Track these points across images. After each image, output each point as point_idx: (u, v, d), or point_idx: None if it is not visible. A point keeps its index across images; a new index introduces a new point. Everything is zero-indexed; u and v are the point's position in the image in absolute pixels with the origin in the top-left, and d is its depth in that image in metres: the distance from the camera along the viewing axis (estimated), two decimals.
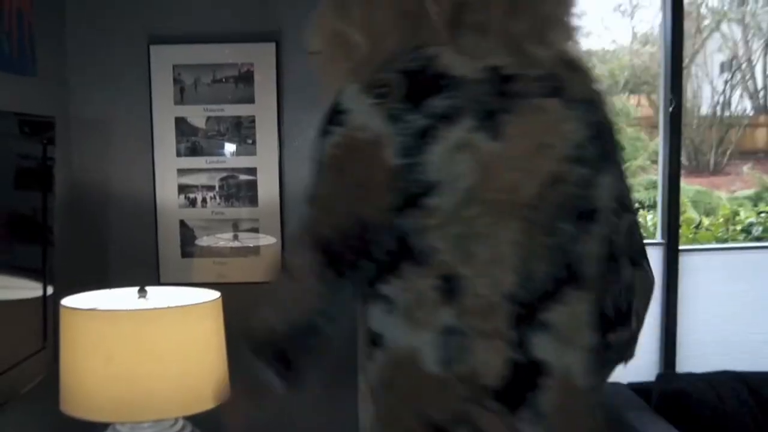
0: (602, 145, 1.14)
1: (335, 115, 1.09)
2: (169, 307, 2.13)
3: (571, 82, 1.12)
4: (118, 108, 2.69)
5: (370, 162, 1.06)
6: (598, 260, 1.15)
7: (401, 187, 1.05)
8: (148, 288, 2.25)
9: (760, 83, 9.90)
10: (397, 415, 1.09)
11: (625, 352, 1.28)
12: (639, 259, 1.26)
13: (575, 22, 1.19)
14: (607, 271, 1.18)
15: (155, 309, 2.12)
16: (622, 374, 2.88)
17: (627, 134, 7.89)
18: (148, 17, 2.67)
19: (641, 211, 5.38)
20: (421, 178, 1.04)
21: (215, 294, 2.24)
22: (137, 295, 2.23)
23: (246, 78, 2.68)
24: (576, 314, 1.12)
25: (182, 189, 2.69)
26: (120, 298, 2.26)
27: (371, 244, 1.09)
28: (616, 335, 1.22)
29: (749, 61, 9.57)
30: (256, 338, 1.16)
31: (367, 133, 1.05)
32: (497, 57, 1.09)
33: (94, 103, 2.68)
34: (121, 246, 2.72)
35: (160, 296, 2.27)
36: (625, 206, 1.22)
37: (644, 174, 7.54)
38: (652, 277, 1.30)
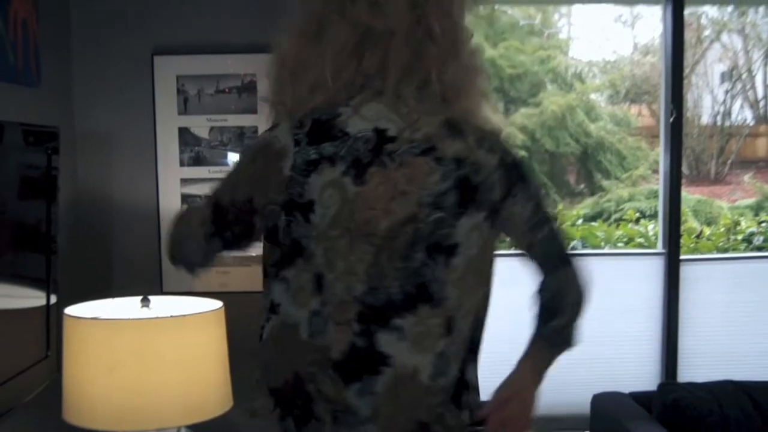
0: (467, 193, 1.44)
1: (270, 128, 1.52)
2: (171, 317, 2.14)
3: (443, 144, 1.44)
4: (122, 118, 2.71)
5: (272, 164, 1.46)
6: (459, 282, 1.45)
7: (286, 192, 1.45)
8: (151, 297, 2.26)
9: (760, 93, 9.92)
10: (278, 361, 1.49)
11: (562, 337, 1.61)
12: (564, 259, 1.56)
13: (482, 87, 1.54)
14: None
15: (158, 318, 2.13)
16: (624, 384, 2.89)
17: (628, 144, 7.93)
18: (152, 28, 2.69)
19: (642, 221, 5.39)
20: (302, 193, 1.44)
21: (218, 303, 2.25)
22: (140, 304, 2.24)
23: (249, 88, 2.70)
24: (427, 325, 1.44)
25: (185, 198, 2.70)
26: (123, 307, 2.27)
27: (253, 218, 1.50)
28: (552, 324, 1.58)
29: (749, 71, 9.60)
30: (171, 239, 1.66)
31: (279, 145, 1.47)
32: (386, 121, 1.45)
33: (98, 113, 2.70)
34: (125, 255, 2.74)
35: (162, 305, 2.28)
36: (536, 224, 1.53)
37: (645, 183, 7.56)
38: (581, 274, 1.57)
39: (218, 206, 1.54)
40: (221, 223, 1.53)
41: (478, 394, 1.58)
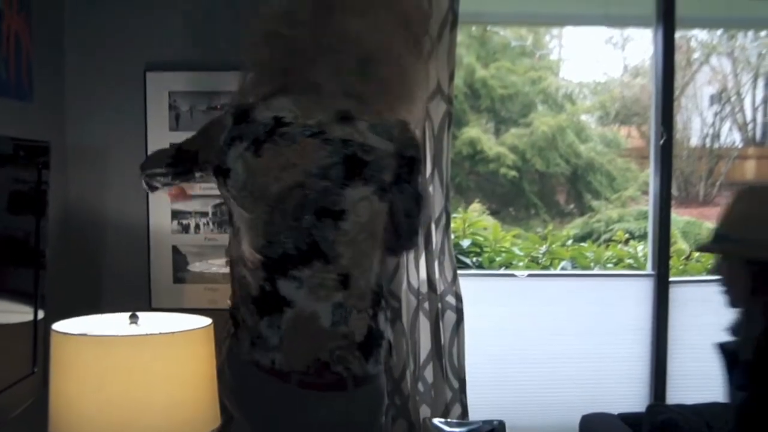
0: (350, 171, 1.79)
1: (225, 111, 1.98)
2: (160, 334, 2.12)
3: (333, 129, 1.80)
4: (114, 134, 2.70)
5: (215, 135, 1.91)
6: (352, 243, 1.80)
7: (219, 157, 1.89)
8: (139, 314, 2.25)
9: (749, 116, 10.00)
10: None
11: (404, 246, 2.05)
12: (410, 215, 1.94)
13: (401, 91, 1.89)
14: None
15: (146, 335, 2.12)
16: (613, 405, 2.89)
17: (617, 165, 7.96)
18: (144, 44, 2.69)
19: (631, 242, 5.40)
20: (225, 161, 1.87)
21: (207, 320, 2.23)
22: (129, 320, 2.23)
23: None
24: (322, 278, 1.79)
25: (176, 215, 2.70)
26: (111, 323, 2.25)
27: (193, 167, 2.04)
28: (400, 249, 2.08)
29: (738, 93, 9.67)
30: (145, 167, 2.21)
31: (224, 123, 1.91)
32: (285, 111, 1.84)
33: (90, 128, 2.69)
34: (114, 271, 2.72)
35: (151, 322, 2.27)
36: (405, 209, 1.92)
37: (634, 204, 7.59)
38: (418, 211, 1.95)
39: (180, 149, 2.07)
40: (178, 159, 2.07)
41: (391, 351, 1.94)
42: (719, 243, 1.81)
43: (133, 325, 2.22)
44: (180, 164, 2.08)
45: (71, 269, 2.64)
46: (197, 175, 2.08)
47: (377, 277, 1.88)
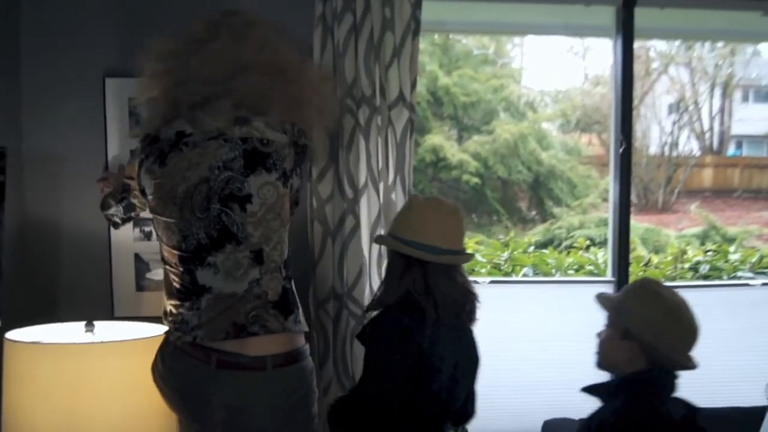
0: (250, 162, 1.98)
1: None
2: (112, 342, 2.09)
3: (231, 131, 1.99)
4: (72, 140, 2.66)
5: (134, 163, 2.19)
6: (260, 223, 1.98)
7: (138, 182, 2.12)
8: (99, 322, 2.22)
9: (706, 125, 10.17)
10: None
11: None
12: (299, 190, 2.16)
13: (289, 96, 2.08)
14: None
15: (99, 343, 2.09)
16: (575, 411, 2.90)
17: (578, 172, 8.05)
18: (103, 50, 2.66)
19: (592, 248, 5.46)
20: (140, 182, 2.10)
21: (164, 328, 2.21)
22: (84, 329, 2.19)
23: None
24: (236, 258, 1.96)
25: (137, 222, 2.66)
26: (68, 332, 2.22)
27: (133, 197, 2.35)
28: None
29: (696, 103, 9.84)
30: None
31: (137, 151, 2.19)
32: (184, 126, 2.03)
33: (47, 135, 2.65)
34: (74, 280, 2.67)
35: (110, 330, 2.24)
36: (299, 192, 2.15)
37: (595, 211, 7.68)
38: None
39: (124, 187, 2.37)
40: (124, 195, 2.36)
41: (298, 310, 2.06)
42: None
43: (89, 333, 2.19)
44: (125, 199, 2.35)
45: (29, 278, 2.59)
46: (137, 203, 2.35)
47: (288, 251, 2.07)
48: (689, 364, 2.02)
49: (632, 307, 2.02)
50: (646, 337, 1.96)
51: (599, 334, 2.10)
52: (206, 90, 2.03)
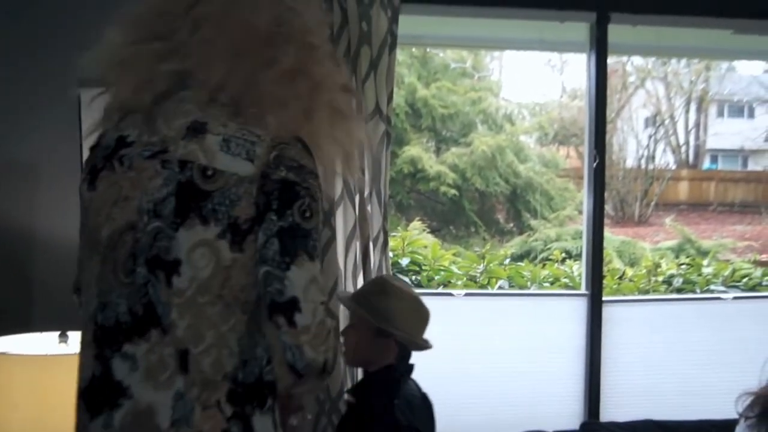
0: (183, 205, 1.25)
1: None
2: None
3: (176, 146, 1.28)
4: (48, 151, 2.64)
5: None
6: (188, 307, 1.24)
7: None
8: (75, 333, 2.20)
9: (682, 139, 10.29)
10: None
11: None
12: (275, 312, 1.24)
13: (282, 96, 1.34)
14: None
15: (71, 354, 2.07)
16: (548, 423, 2.93)
17: (556, 184, 8.12)
18: (79, 59, 2.65)
19: (568, 261, 5.50)
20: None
21: None
22: (58, 339, 2.18)
23: None
24: (160, 354, 1.24)
25: None
26: (41, 342, 2.20)
27: None
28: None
29: (671, 117, 9.96)
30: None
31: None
32: (131, 129, 1.35)
33: (21, 145, 2.63)
34: (49, 290, 2.65)
35: None
36: (264, 258, 1.26)
37: (572, 223, 7.73)
38: (295, 342, 1.23)
39: None
40: None
41: None
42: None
43: (63, 344, 2.17)
44: None
45: (1, 287, 2.57)
46: None
47: (241, 360, 1.27)
48: (428, 346, 2.21)
49: (387, 308, 2.15)
50: (402, 332, 2.13)
51: (345, 332, 2.18)
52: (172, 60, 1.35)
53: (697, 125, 10.25)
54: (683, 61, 8.58)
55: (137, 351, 1.24)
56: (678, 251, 7.16)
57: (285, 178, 1.28)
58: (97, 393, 1.27)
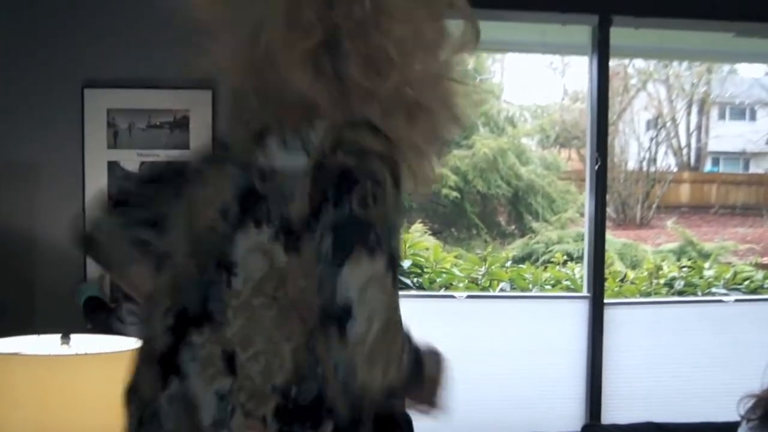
0: (246, 203, 1.22)
1: None
2: (87, 354, 2.08)
3: (247, 150, 1.25)
4: (50, 151, 2.65)
5: None
6: (243, 309, 1.19)
7: None
8: (78, 335, 2.21)
9: (683, 141, 10.27)
10: None
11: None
12: (325, 321, 1.10)
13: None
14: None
15: (73, 355, 2.07)
16: (549, 425, 2.93)
17: (557, 187, 8.11)
18: (82, 61, 2.66)
19: (569, 263, 5.49)
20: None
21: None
22: (60, 341, 2.18)
23: (181, 124, 2.68)
24: (210, 350, 1.19)
25: None
26: (43, 343, 2.20)
27: None
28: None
29: (673, 119, 9.95)
30: None
31: None
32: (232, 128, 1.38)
33: (23, 145, 2.64)
34: (50, 291, 2.66)
35: (86, 343, 2.22)
36: (318, 256, 1.13)
37: (574, 226, 7.72)
38: (348, 355, 1.06)
39: None
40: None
41: None
42: None
43: (65, 345, 2.18)
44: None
45: (3, 289, 2.58)
46: None
47: (293, 375, 1.17)
48: None
49: None
50: None
51: None
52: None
53: (699, 128, 10.23)
54: (685, 64, 8.57)
55: (196, 341, 1.20)
56: (680, 254, 7.15)
57: (342, 164, 1.14)
58: (164, 367, 1.23)
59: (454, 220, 7.92)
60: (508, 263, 4.90)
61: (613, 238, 7.23)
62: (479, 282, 4.02)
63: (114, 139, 2.67)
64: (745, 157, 10.75)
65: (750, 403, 2.14)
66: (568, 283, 4.20)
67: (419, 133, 1.25)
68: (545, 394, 3.08)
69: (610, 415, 3.07)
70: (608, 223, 3.15)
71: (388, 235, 1.12)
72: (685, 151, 10.21)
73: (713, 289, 4.21)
